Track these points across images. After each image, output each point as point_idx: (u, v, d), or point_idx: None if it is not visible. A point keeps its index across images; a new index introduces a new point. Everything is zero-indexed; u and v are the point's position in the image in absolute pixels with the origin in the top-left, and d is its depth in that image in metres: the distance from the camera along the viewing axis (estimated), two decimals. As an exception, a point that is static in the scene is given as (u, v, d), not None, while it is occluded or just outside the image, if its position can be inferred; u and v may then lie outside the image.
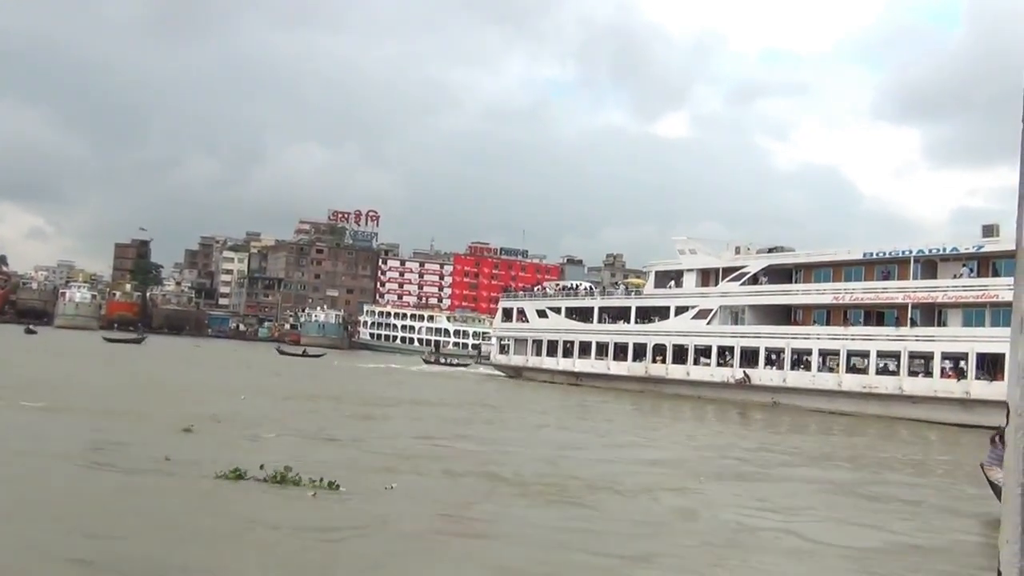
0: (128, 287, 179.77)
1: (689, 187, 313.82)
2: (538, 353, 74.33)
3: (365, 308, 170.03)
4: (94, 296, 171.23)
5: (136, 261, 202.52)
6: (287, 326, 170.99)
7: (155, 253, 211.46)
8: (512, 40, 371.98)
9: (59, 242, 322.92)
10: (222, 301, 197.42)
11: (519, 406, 44.20)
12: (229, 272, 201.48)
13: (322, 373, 66.35)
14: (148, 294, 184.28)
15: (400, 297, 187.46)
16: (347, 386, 50.93)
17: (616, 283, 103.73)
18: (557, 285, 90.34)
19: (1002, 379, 42.84)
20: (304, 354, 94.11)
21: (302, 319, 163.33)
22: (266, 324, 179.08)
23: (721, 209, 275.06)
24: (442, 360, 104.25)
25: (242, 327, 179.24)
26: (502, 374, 77.76)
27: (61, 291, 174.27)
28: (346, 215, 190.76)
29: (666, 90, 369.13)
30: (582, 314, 72.26)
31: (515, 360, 76.79)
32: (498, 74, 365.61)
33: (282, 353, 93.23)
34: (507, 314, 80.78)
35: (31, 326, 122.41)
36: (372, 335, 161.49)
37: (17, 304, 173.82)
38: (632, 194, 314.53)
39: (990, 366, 45.66)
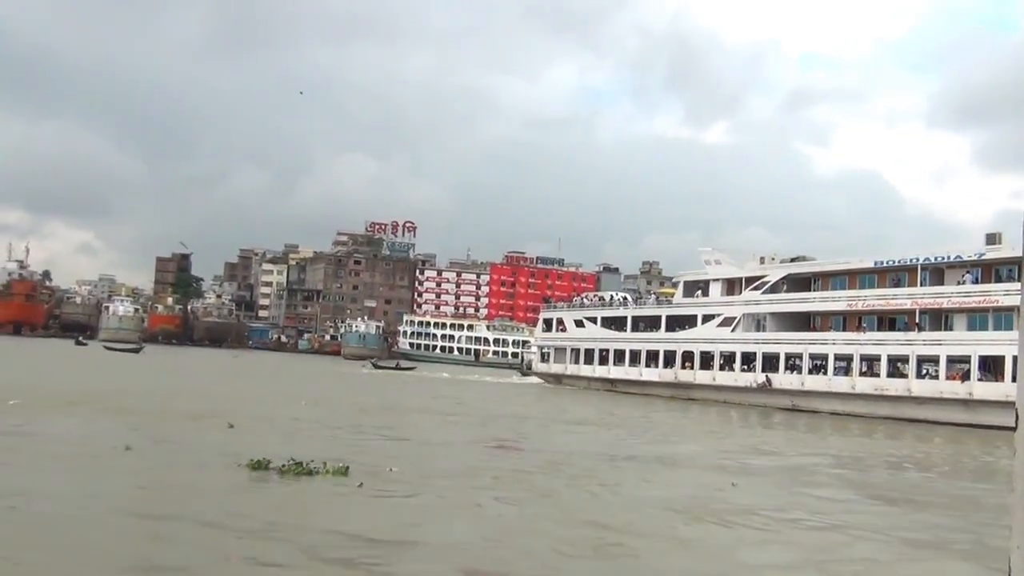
0: (170, 300, 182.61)
1: (734, 193, 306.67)
2: (576, 361, 77.53)
3: (405, 318, 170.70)
4: (136, 309, 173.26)
5: (177, 275, 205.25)
6: (327, 337, 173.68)
7: (195, 266, 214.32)
8: (570, 49, 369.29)
9: (107, 256, 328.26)
10: (261, 313, 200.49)
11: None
12: (268, 284, 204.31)
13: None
14: (189, 307, 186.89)
15: (437, 307, 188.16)
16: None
17: (650, 292, 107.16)
18: (594, 295, 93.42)
19: (1003, 380, 45.93)
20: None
21: (342, 330, 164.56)
22: (306, 336, 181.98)
23: (765, 215, 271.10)
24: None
25: (283, 339, 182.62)
26: (543, 381, 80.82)
27: (104, 305, 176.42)
28: (383, 226, 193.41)
29: (719, 98, 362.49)
30: (616, 323, 75.63)
31: (555, 368, 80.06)
32: (544, 82, 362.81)
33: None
34: (548, 324, 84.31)
35: (81, 339, 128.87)
36: (412, 344, 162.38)
37: (61, 318, 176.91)
38: (676, 201, 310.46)
39: (992, 368, 48.38)
